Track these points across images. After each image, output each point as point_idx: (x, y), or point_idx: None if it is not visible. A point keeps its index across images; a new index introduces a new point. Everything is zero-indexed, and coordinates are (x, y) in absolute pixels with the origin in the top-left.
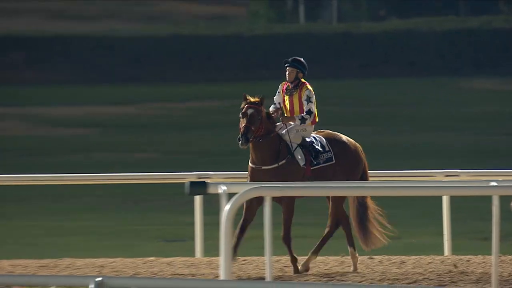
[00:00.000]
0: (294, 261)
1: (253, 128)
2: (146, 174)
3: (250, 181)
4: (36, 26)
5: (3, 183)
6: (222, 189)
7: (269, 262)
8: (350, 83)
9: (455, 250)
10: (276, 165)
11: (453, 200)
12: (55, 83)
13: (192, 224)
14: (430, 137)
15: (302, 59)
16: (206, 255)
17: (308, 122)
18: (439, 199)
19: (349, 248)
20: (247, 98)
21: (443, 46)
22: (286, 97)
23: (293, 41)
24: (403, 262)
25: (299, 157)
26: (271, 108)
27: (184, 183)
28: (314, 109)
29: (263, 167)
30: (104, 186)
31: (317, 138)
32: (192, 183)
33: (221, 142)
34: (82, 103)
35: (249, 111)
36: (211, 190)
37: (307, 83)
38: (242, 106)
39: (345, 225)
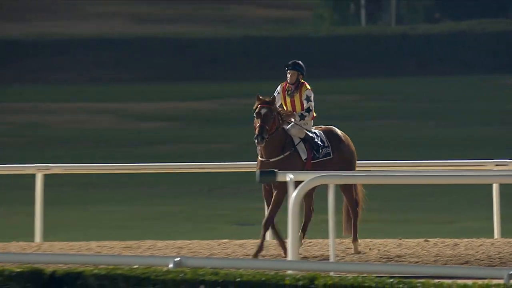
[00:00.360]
0: (260, 249)
1: (267, 127)
2: (221, 163)
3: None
4: (122, 28)
5: (95, 171)
6: (289, 177)
7: (332, 244)
8: (408, 80)
9: (504, 233)
10: (281, 156)
11: (502, 187)
12: (140, 81)
13: (262, 209)
14: (483, 131)
15: (301, 62)
16: (274, 238)
17: (307, 119)
18: (489, 186)
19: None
20: (260, 98)
21: (494, 46)
22: (287, 98)
23: (355, 42)
24: (456, 245)
25: (302, 151)
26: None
27: (255, 172)
28: (313, 107)
29: (271, 160)
30: (183, 174)
31: (317, 133)
32: (262, 171)
33: None
34: (164, 99)
35: (263, 111)
36: (279, 178)
37: (306, 83)
38: (255, 106)
39: (346, 214)
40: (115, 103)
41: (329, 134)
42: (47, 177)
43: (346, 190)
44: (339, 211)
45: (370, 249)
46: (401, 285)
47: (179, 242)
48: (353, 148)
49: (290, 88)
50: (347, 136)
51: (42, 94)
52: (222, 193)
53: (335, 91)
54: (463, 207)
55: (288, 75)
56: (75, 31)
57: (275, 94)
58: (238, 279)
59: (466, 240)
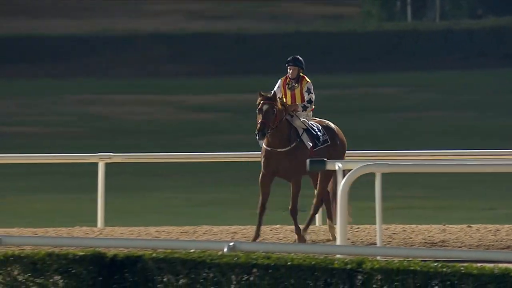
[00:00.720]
0: (298, 231)
1: (268, 123)
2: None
3: (264, 162)
4: (177, 25)
5: (154, 160)
6: (338, 166)
7: (379, 230)
8: (451, 73)
9: None
10: (289, 147)
11: None
12: (196, 74)
13: (312, 196)
14: None
15: (300, 58)
16: (324, 224)
17: (309, 109)
18: None
19: (328, 221)
20: (262, 94)
21: None
22: (288, 92)
23: (401, 37)
24: (498, 230)
25: (306, 141)
26: (275, 89)
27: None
28: (314, 98)
29: (278, 150)
30: (237, 163)
31: (314, 124)
32: (312, 160)
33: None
34: (220, 92)
35: (264, 107)
36: (328, 167)
37: (305, 77)
38: (257, 102)
39: (327, 201)
40: (173, 96)
41: (324, 126)
42: (108, 166)
43: (322, 181)
44: (385, 199)
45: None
46: (445, 269)
47: (233, 228)
48: (345, 141)
49: (290, 82)
50: (339, 130)
51: (105, 87)
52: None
53: (382, 83)
54: (504, 195)
55: (290, 71)
56: (136, 28)
57: (275, 88)
58: (289, 263)
59: (507, 226)
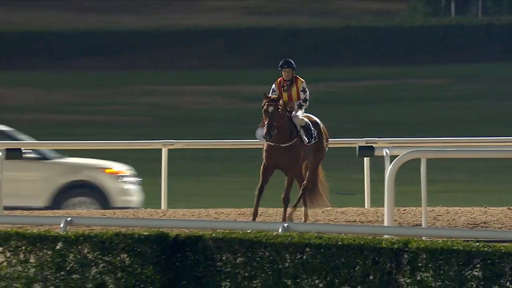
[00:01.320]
0: (284, 218)
1: (275, 124)
2: None
3: (266, 156)
4: (235, 20)
5: (213, 146)
6: (385, 152)
7: (424, 212)
8: (493, 65)
9: None
10: (290, 143)
11: None
12: (249, 66)
13: (361, 180)
14: None
15: (291, 60)
16: (373, 206)
17: (304, 108)
18: None
19: (304, 208)
20: (267, 96)
21: None
22: (284, 93)
23: (445, 32)
24: None
25: (304, 137)
26: (273, 95)
27: (355, 147)
28: (308, 97)
29: (281, 145)
30: None
31: (309, 122)
32: (361, 147)
33: (386, 114)
34: (270, 82)
35: (270, 109)
36: (377, 153)
37: (299, 77)
38: (263, 104)
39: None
40: (230, 86)
41: (312, 122)
42: (171, 152)
43: (312, 168)
44: (430, 183)
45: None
46: (486, 249)
47: (288, 210)
48: (328, 135)
49: (285, 84)
50: (323, 125)
51: (168, 78)
52: (325, 166)
53: (427, 75)
54: None
55: (284, 73)
56: (196, 23)
57: (271, 92)
58: (340, 243)
59: None
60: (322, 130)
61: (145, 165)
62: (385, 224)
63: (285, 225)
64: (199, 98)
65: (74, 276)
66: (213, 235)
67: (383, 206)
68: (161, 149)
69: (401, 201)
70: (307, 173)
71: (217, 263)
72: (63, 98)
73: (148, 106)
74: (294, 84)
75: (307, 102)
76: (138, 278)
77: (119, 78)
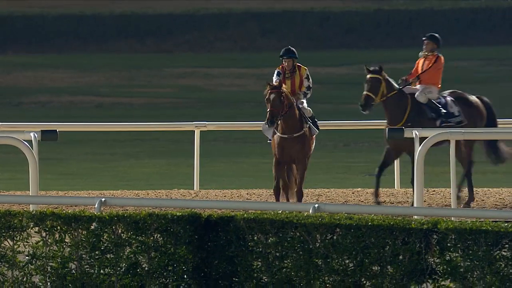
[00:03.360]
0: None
1: (277, 111)
2: (355, 121)
3: (279, 150)
4: (268, 3)
5: (243, 128)
6: (415, 133)
7: (454, 193)
8: None
9: None
10: (302, 131)
11: None
12: (281, 49)
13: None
14: None
15: (292, 48)
16: (402, 187)
17: (309, 96)
18: None
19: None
20: (269, 84)
21: None
22: (288, 81)
23: (475, 14)
24: None
25: (312, 127)
26: (275, 78)
27: (385, 129)
28: (312, 84)
29: (294, 135)
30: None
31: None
32: (391, 129)
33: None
34: (304, 65)
35: (271, 96)
36: (406, 134)
37: (301, 65)
38: (265, 92)
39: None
40: (264, 69)
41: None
42: (203, 133)
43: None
44: (458, 164)
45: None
46: None
47: (318, 190)
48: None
49: (288, 72)
50: None
51: (202, 61)
52: (356, 147)
53: (457, 58)
54: None
55: (285, 63)
56: (230, 6)
57: (274, 77)
58: (370, 223)
59: None
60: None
61: (178, 147)
62: (415, 204)
63: (316, 205)
64: (232, 80)
65: (108, 255)
66: (245, 215)
67: (412, 187)
68: (193, 131)
69: (431, 183)
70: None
71: (249, 243)
72: (99, 80)
73: (182, 89)
74: (297, 71)
75: (311, 90)
76: (171, 257)
77: (154, 60)
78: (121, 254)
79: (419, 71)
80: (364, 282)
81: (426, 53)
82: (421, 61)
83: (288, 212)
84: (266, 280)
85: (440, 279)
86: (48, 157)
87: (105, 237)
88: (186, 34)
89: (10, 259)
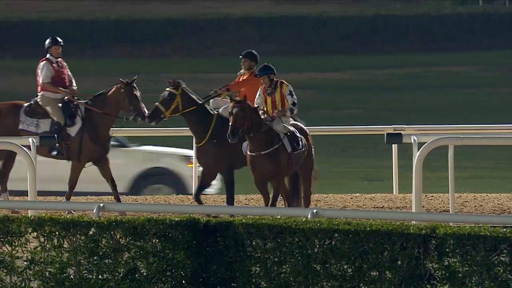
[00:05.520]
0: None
1: (238, 125)
2: (353, 127)
3: (251, 167)
4: (266, 8)
5: None
6: (413, 139)
7: (452, 198)
8: None
9: None
10: (271, 149)
11: None
12: (280, 54)
13: (389, 167)
14: None
15: (268, 65)
16: (401, 192)
17: (295, 112)
18: None
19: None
20: (233, 99)
21: None
22: (268, 98)
23: (473, 20)
24: None
25: (287, 144)
26: (256, 98)
27: (383, 134)
28: (296, 100)
29: (262, 152)
30: (318, 136)
31: (295, 129)
32: (389, 134)
33: (414, 101)
34: (301, 70)
35: (234, 110)
36: (405, 140)
37: (284, 81)
38: (230, 106)
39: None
40: None
41: (299, 128)
42: None
43: (302, 171)
44: (457, 169)
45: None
46: None
47: (316, 196)
48: (312, 142)
49: (269, 89)
50: (308, 131)
51: (200, 66)
52: (354, 153)
53: (455, 63)
54: None
55: (263, 80)
56: (227, 12)
57: (257, 96)
58: (368, 228)
59: None
60: (308, 138)
61: None
62: (413, 210)
63: (314, 211)
64: None
65: (106, 261)
66: (243, 220)
67: (411, 192)
68: (192, 136)
69: (430, 188)
70: (302, 186)
71: (247, 249)
72: (97, 85)
73: None
74: (279, 88)
75: (296, 106)
76: (170, 263)
77: (152, 65)
78: (120, 259)
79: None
80: (363, 287)
81: (244, 72)
82: (240, 78)
83: (287, 218)
84: (264, 285)
85: (439, 284)
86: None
87: (103, 242)
88: (184, 39)
89: (8, 265)
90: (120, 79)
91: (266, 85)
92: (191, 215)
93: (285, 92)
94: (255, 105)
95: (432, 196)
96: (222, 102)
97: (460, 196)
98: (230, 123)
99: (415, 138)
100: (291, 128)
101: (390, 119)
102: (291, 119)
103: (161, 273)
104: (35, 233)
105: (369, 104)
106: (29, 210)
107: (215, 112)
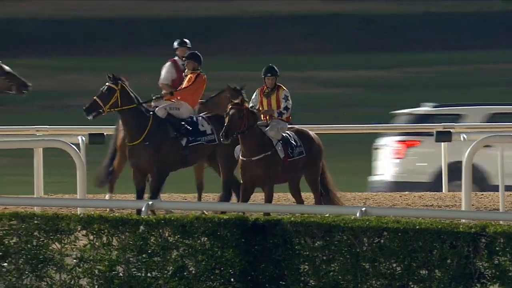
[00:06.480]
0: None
1: (233, 126)
2: (401, 125)
3: (241, 172)
4: (310, 6)
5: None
6: (463, 137)
7: (502, 196)
8: None
9: None
10: (262, 155)
11: None
12: (325, 52)
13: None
14: None
15: (275, 67)
16: (450, 191)
17: (284, 116)
18: None
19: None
20: (231, 100)
21: None
22: (264, 99)
23: None
24: None
25: (280, 151)
26: (253, 98)
27: (432, 132)
28: (290, 105)
29: (252, 158)
30: (363, 134)
31: (290, 135)
32: (439, 132)
33: (463, 99)
34: (346, 68)
35: (231, 112)
36: (454, 138)
37: (282, 85)
38: (228, 107)
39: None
40: (307, 72)
41: (301, 135)
42: None
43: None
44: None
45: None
46: None
47: (365, 194)
48: (322, 147)
49: (267, 90)
50: (317, 137)
51: (244, 64)
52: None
53: (504, 60)
54: None
55: (267, 81)
56: (272, 10)
57: (253, 97)
58: (417, 227)
59: None
60: (314, 144)
61: None
62: (463, 208)
63: (363, 209)
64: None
65: (155, 258)
66: (292, 219)
67: (460, 190)
68: None
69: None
70: (313, 193)
71: (296, 247)
72: (143, 83)
73: None
74: (276, 92)
75: (288, 112)
76: (218, 261)
77: None
78: (168, 257)
79: (182, 87)
80: (412, 286)
81: (187, 73)
82: (186, 78)
83: (335, 216)
84: (313, 283)
85: (489, 283)
86: (96, 161)
87: (152, 240)
88: (228, 37)
89: (58, 262)
90: (229, 84)
91: (267, 86)
92: (240, 213)
93: (281, 96)
94: (250, 104)
95: (482, 194)
96: (162, 102)
97: (510, 194)
98: (225, 124)
99: (465, 136)
100: (285, 135)
101: (439, 117)
102: (287, 124)
103: (210, 271)
104: (84, 231)
105: (416, 102)
106: (78, 208)
107: (151, 112)
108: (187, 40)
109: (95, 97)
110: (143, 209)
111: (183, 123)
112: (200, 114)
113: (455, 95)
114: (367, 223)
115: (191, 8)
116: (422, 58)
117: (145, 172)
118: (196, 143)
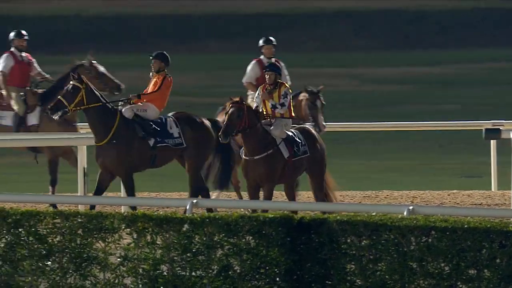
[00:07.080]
0: None
1: (232, 125)
2: (451, 122)
3: (244, 172)
4: (361, 2)
5: (339, 129)
6: None
7: None
8: None
9: None
10: (264, 154)
11: None
12: (375, 48)
13: (488, 163)
14: None
15: (277, 63)
16: (500, 189)
17: (277, 112)
18: None
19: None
20: (231, 98)
21: None
22: (266, 96)
23: None
24: None
25: (284, 150)
26: (254, 105)
27: (481, 129)
28: (288, 103)
29: (255, 157)
30: (414, 132)
31: (295, 133)
32: (488, 129)
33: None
34: (397, 65)
35: (230, 110)
36: (503, 135)
37: (284, 83)
38: (227, 105)
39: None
40: (357, 68)
41: (305, 133)
42: None
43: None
44: None
45: None
46: None
47: (412, 192)
48: (324, 146)
49: (269, 87)
50: (319, 135)
51: (294, 61)
52: (451, 149)
53: None
54: None
55: (267, 77)
56: (322, 5)
57: (255, 95)
58: (466, 226)
59: None
60: (317, 143)
61: None
62: None
63: (410, 207)
64: (325, 80)
65: (200, 257)
66: (338, 217)
67: (510, 189)
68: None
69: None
70: (318, 194)
71: (342, 246)
72: (188, 80)
73: None
74: (277, 88)
75: (284, 108)
76: (263, 260)
77: (243, 60)
78: (213, 256)
79: (149, 90)
80: (460, 286)
81: (154, 73)
82: (152, 80)
83: (382, 214)
84: (359, 283)
85: None
86: None
87: (196, 239)
88: (278, 33)
89: (102, 261)
90: (306, 87)
91: (269, 83)
92: (285, 211)
93: (281, 92)
94: (255, 105)
95: None
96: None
97: None
98: (224, 122)
99: None
100: (290, 133)
101: (487, 114)
102: (291, 120)
103: (255, 270)
104: (128, 230)
105: (466, 99)
106: (122, 206)
107: (118, 111)
108: (272, 38)
109: (59, 97)
110: (187, 207)
111: (151, 123)
112: (169, 114)
113: (505, 93)
114: (415, 222)
115: (243, 5)
116: (473, 55)
117: (112, 172)
118: (163, 144)
